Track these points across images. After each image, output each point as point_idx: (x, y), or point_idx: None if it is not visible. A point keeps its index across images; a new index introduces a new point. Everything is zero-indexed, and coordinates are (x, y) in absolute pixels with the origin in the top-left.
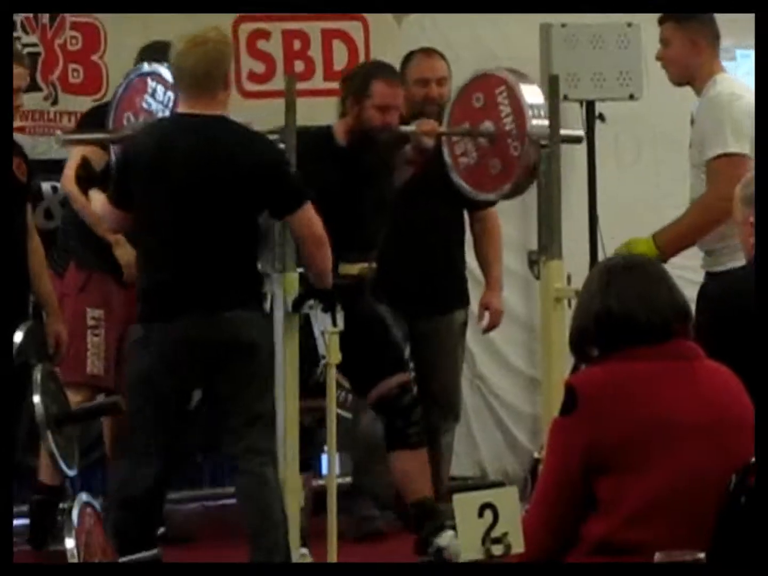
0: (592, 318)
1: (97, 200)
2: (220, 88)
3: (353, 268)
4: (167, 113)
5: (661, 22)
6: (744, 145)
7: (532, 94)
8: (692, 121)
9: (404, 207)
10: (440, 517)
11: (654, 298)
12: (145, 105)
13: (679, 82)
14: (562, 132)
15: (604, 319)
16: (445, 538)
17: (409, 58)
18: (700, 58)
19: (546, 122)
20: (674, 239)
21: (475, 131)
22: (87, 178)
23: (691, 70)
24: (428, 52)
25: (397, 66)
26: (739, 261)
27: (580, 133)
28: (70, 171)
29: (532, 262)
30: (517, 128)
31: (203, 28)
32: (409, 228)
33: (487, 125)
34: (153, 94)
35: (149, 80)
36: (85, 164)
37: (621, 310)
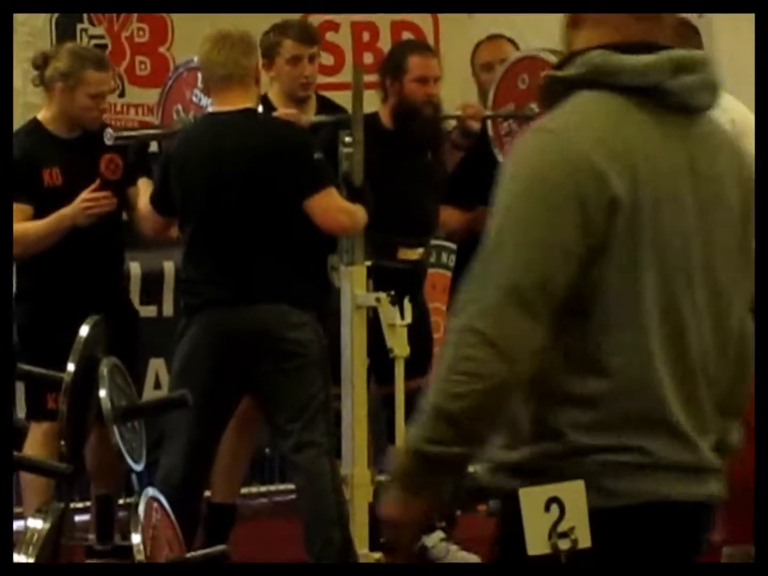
0: None
1: (144, 197)
2: (251, 81)
3: (413, 253)
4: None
5: None
6: None
7: None
8: None
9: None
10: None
11: None
12: (194, 98)
13: None
14: None
15: None
16: (433, 538)
17: (477, 47)
18: None
19: None
20: None
21: (519, 113)
22: (140, 163)
23: None
24: (494, 37)
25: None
26: None
27: None
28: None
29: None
30: None
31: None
32: None
33: (532, 107)
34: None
35: (199, 74)
36: (141, 149)
37: None
